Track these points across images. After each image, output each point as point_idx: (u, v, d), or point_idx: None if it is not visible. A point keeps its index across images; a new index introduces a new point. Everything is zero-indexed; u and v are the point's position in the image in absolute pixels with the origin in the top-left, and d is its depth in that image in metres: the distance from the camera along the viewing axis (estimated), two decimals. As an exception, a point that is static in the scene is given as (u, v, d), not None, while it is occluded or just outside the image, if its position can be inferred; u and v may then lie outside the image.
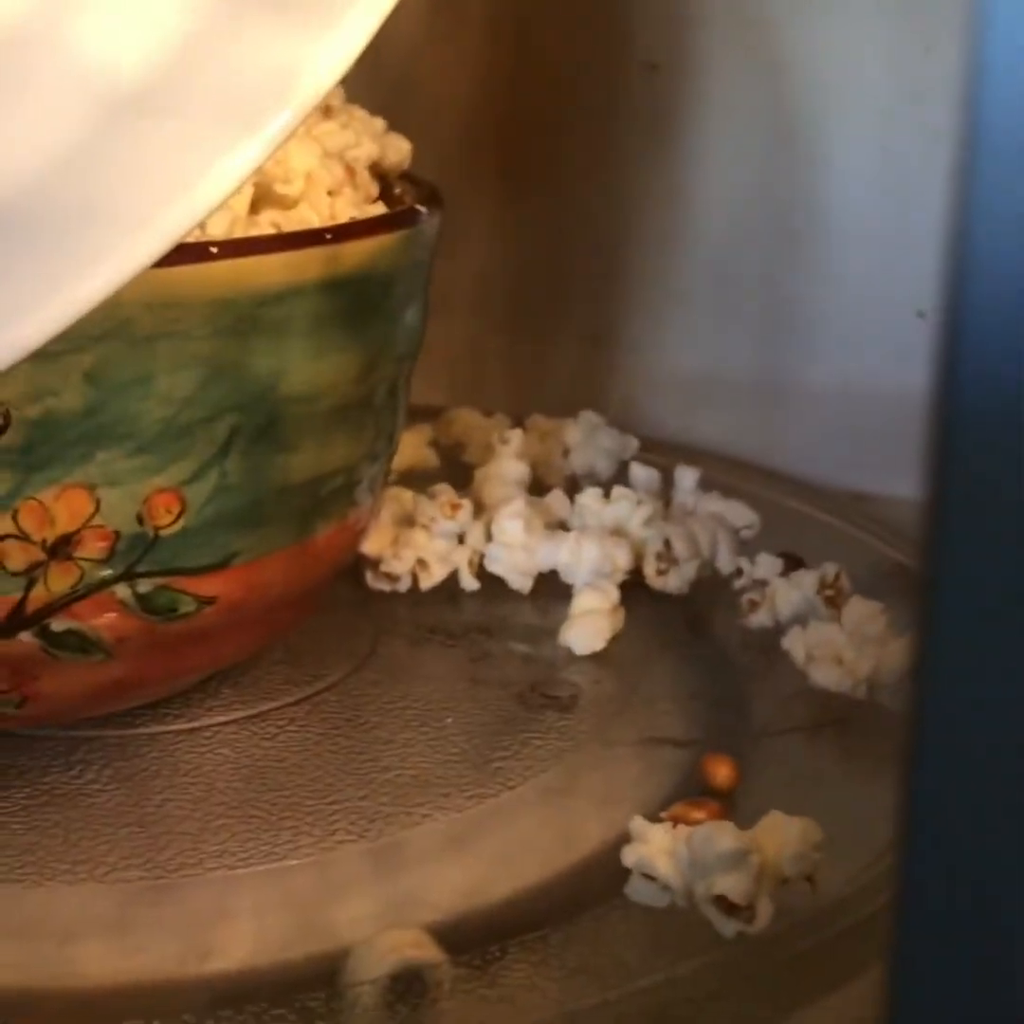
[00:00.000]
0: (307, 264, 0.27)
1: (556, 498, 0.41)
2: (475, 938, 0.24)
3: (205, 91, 0.21)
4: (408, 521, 0.40)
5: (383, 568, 0.38)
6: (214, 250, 0.26)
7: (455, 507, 0.39)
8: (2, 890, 0.25)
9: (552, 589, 0.38)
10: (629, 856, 0.24)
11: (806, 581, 0.35)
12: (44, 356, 0.25)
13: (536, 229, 0.57)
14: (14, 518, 0.26)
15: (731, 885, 0.22)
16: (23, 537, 0.26)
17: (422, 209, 0.30)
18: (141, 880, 0.25)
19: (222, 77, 0.21)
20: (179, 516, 0.27)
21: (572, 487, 0.42)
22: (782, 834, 0.24)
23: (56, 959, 0.23)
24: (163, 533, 0.27)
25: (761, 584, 0.36)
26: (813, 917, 0.23)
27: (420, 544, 0.38)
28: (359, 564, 0.38)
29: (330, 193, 0.29)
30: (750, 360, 0.54)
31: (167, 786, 0.28)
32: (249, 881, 0.26)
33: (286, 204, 0.29)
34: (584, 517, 0.40)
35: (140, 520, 0.27)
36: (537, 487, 0.41)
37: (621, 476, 0.43)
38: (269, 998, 0.22)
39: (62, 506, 0.26)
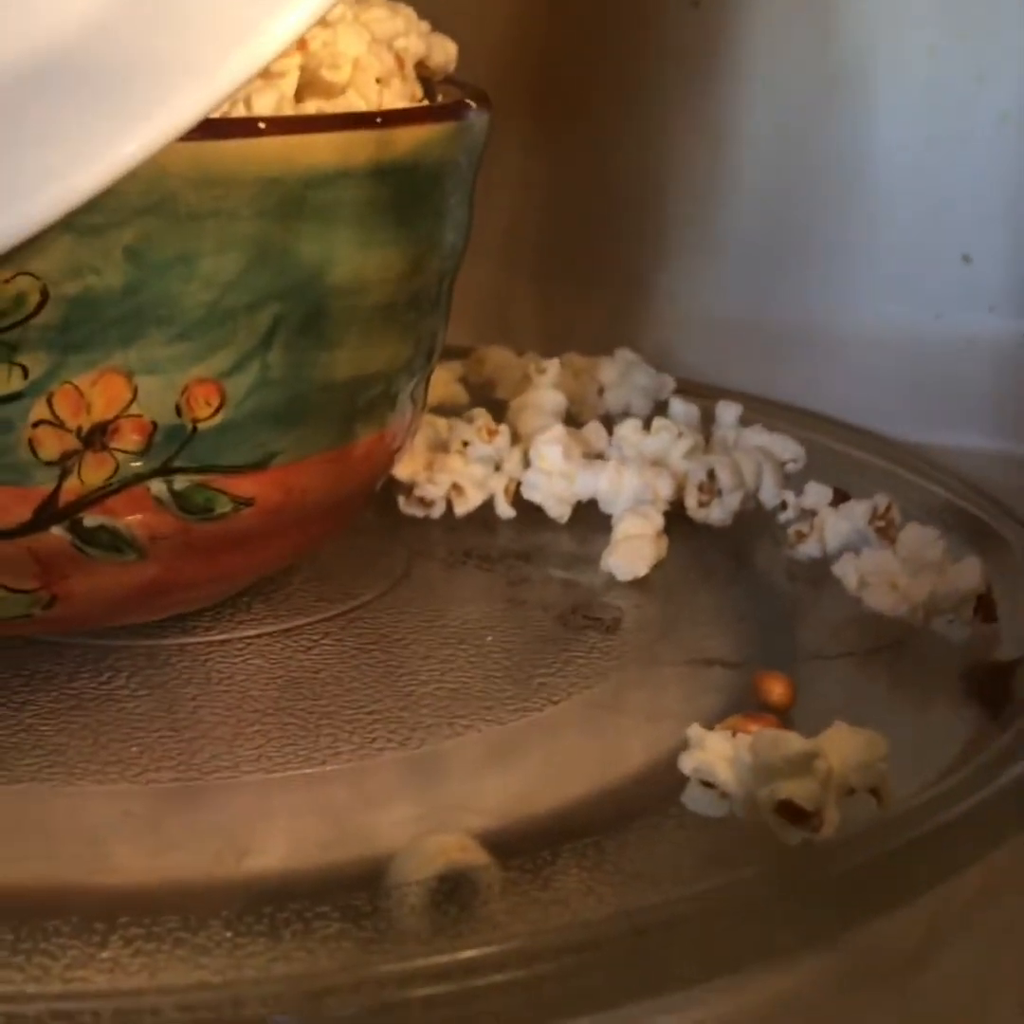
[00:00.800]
0: (357, 147, 0.26)
1: (593, 429, 0.40)
2: (524, 844, 0.22)
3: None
4: (442, 447, 0.39)
5: (417, 492, 0.37)
6: (262, 126, 0.25)
7: (492, 432, 0.38)
8: (31, 789, 0.24)
9: (590, 518, 0.37)
10: (687, 763, 0.23)
11: (857, 511, 0.34)
12: (85, 229, 0.24)
13: (570, 170, 0.56)
14: (49, 403, 0.25)
15: (799, 789, 0.21)
16: (58, 424, 0.25)
17: (472, 104, 0.29)
18: (174, 782, 0.24)
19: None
20: (218, 409, 0.26)
21: (607, 425, 0.41)
22: (847, 745, 0.23)
23: (88, 857, 0.22)
24: (201, 426, 0.26)
25: (809, 514, 0.35)
26: (878, 829, 0.22)
27: (455, 468, 0.37)
28: (391, 489, 0.37)
29: (378, 81, 0.28)
30: (790, 306, 0.53)
31: (199, 694, 0.27)
32: (287, 785, 0.24)
33: (333, 92, 0.28)
34: (623, 449, 0.39)
35: (178, 411, 0.26)
36: (571, 425, 0.40)
37: (657, 417, 0.41)
38: (311, 896, 0.21)
39: (99, 392, 0.25)
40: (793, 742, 0.22)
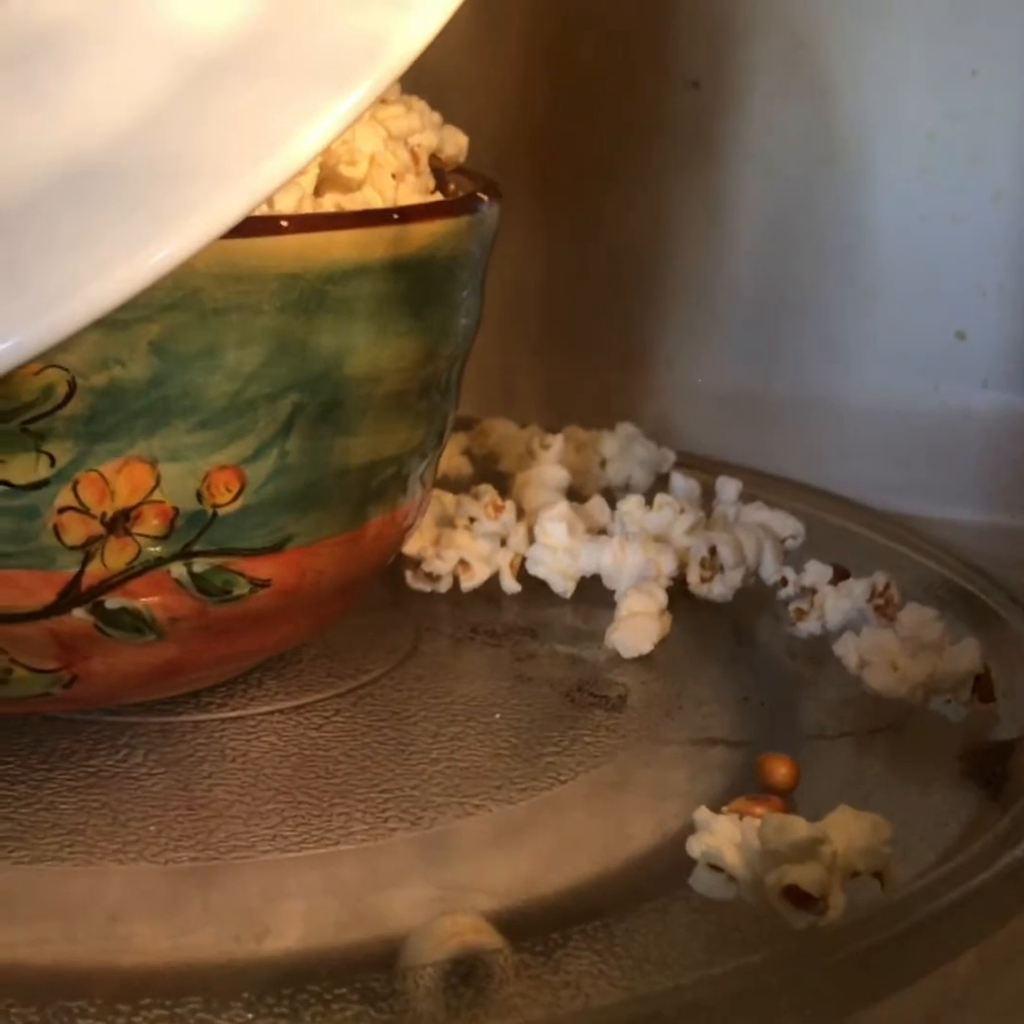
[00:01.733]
0: (374, 243, 0.27)
1: (597, 504, 0.41)
2: (535, 926, 0.23)
3: (295, 51, 0.20)
4: (448, 523, 0.39)
5: (424, 568, 0.38)
6: (284, 224, 0.25)
7: (498, 508, 0.39)
8: (52, 869, 0.25)
9: (594, 594, 0.38)
10: (695, 846, 0.23)
11: (856, 590, 0.35)
12: (112, 324, 0.24)
13: (570, 244, 0.57)
14: (74, 490, 0.25)
15: (805, 875, 0.22)
16: (83, 510, 0.26)
17: (484, 197, 0.30)
18: (192, 861, 0.25)
19: (312, 38, 0.20)
20: (238, 494, 0.27)
21: (609, 499, 0.42)
22: (852, 828, 0.23)
23: (110, 937, 0.23)
24: (221, 512, 0.27)
25: (810, 592, 0.36)
26: (882, 912, 0.23)
27: (462, 544, 0.38)
28: (399, 564, 0.37)
29: (394, 177, 0.29)
30: (787, 378, 0.54)
31: (214, 771, 0.28)
32: (302, 865, 0.25)
33: (350, 187, 0.29)
34: (625, 524, 0.40)
35: (199, 497, 0.26)
36: (573, 498, 0.41)
37: (657, 490, 0.42)
38: (329, 978, 0.21)
39: (123, 479, 0.26)
40: (799, 827, 0.22)
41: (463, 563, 0.38)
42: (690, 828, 0.25)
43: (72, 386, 0.25)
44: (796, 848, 0.22)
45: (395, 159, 0.29)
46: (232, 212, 0.21)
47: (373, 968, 0.22)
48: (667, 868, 0.25)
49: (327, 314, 0.26)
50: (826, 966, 0.22)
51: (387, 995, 0.21)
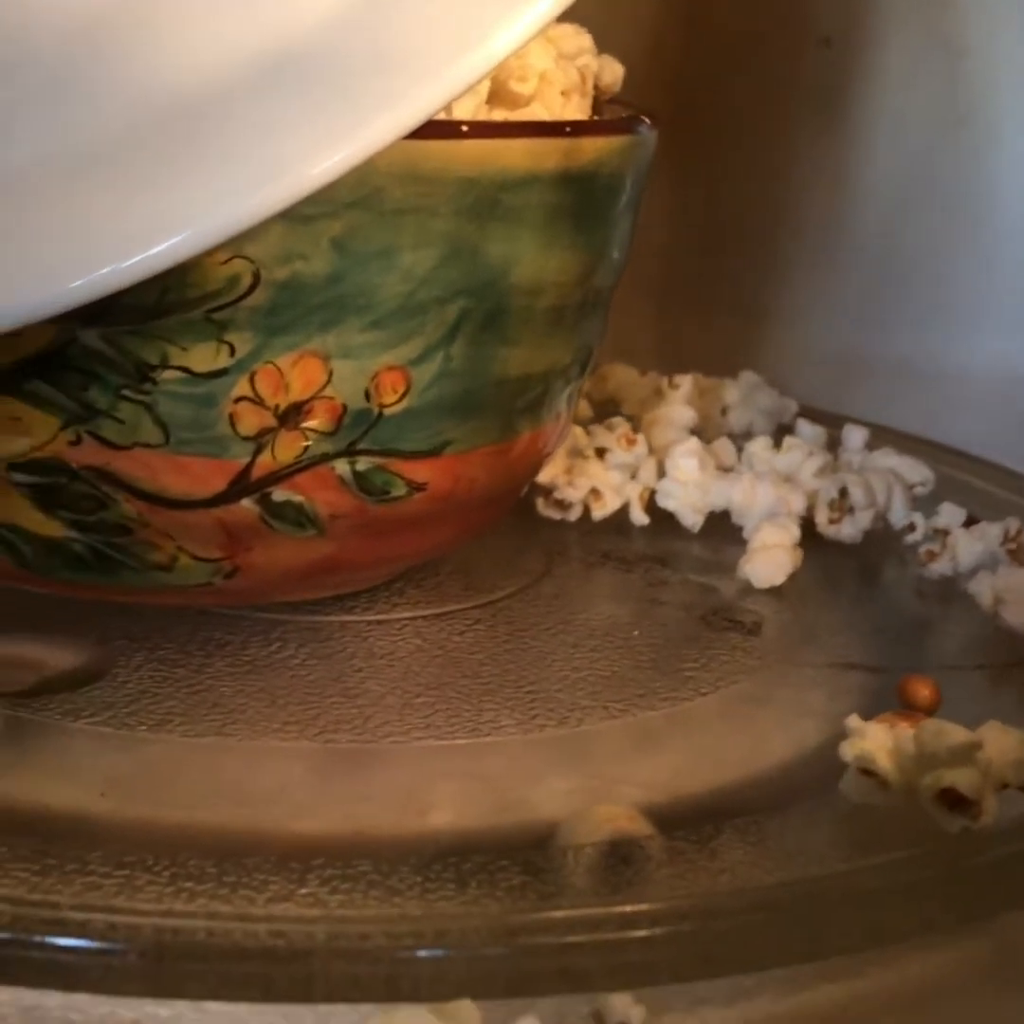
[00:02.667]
0: (546, 153, 0.27)
1: (723, 445, 0.41)
2: (687, 819, 0.24)
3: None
4: (580, 454, 0.40)
5: (556, 495, 0.39)
6: (465, 128, 0.26)
7: (630, 441, 0.39)
8: (216, 743, 0.26)
9: (722, 529, 0.38)
10: (847, 751, 0.24)
11: (990, 532, 0.35)
12: (297, 219, 0.25)
13: (695, 198, 0.57)
14: (251, 380, 0.26)
15: (962, 778, 0.22)
16: (258, 401, 0.26)
17: (646, 120, 0.30)
18: (351, 743, 0.26)
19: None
20: (403, 396, 0.27)
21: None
22: (1002, 742, 0.24)
23: (279, 803, 0.24)
24: (387, 412, 0.27)
25: (942, 534, 0.36)
26: (1031, 822, 0.23)
27: (594, 474, 0.39)
28: (530, 493, 0.38)
29: (562, 94, 0.29)
30: (906, 340, 0.54)
31: (364, 666, 0.29)
32: (455, 752, 0.26)
33: (518, 103, 0.29)
34: (753, 465, 0.40)
35: (367, 396, 0.27)
36: (697, 441, 0.41)
37: (778, 439, 0.42)
38: (492, 851, 0.22)
39: (298, 373, 0.26)
40: (957, 733, 0.23)
41: (594, 492, 0.38)
42: (832, 743, 0.25)
43: (256, 277, 0.25)
44: (953, 752, 0.22)
45: (565, 77, 0.29)
46: (432, 103, 0.21)
47: (532, 848, 0.22)
48: (812, 776, 0.25)
49: (498, 221, 0.27)
50: (978, 866, 0.22)
51: (549, 869, 0.22)
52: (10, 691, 0.27)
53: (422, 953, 0.19)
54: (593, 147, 0.28)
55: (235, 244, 0.25)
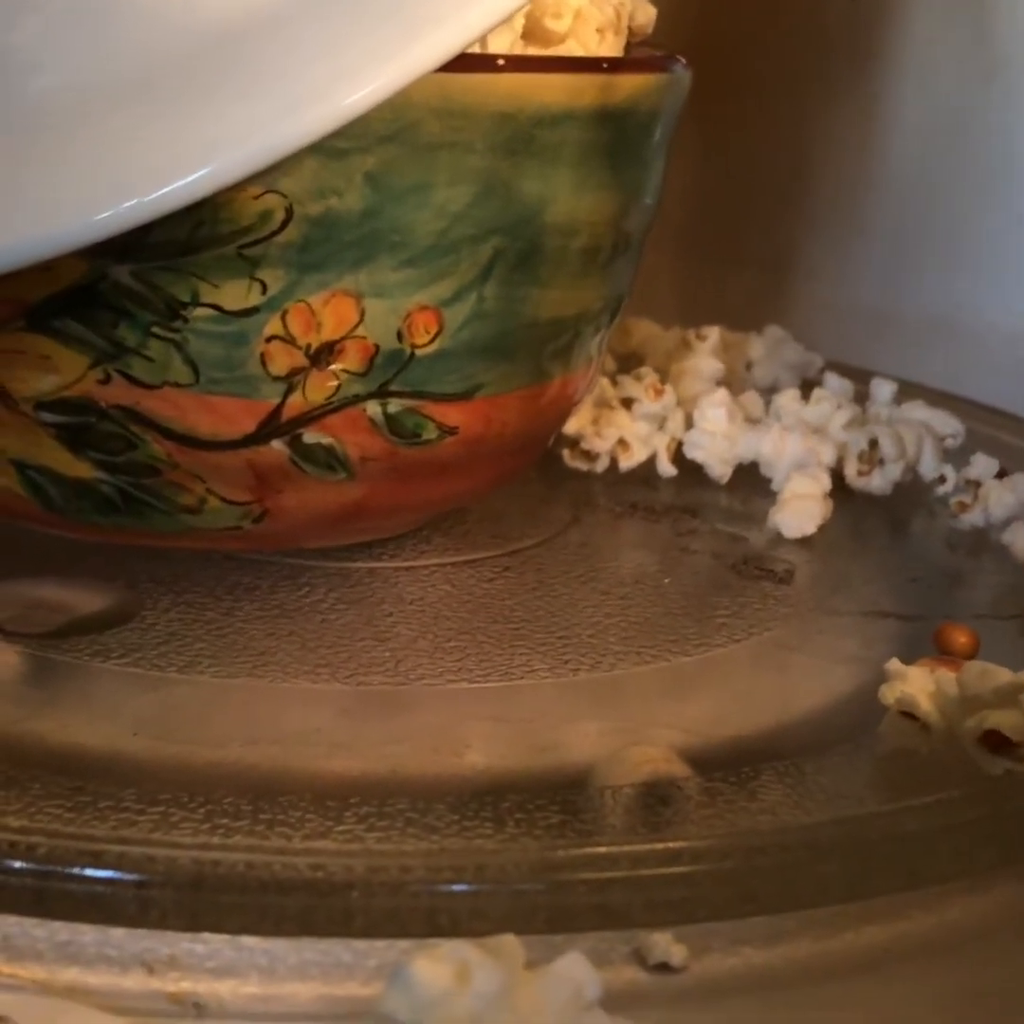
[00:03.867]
0: (583, 89, 0.27)
1: (750, 398, 0.41)
2: (725, 761, 0.23)
3: None
4: (607, 405, 0.40)
5: (583, 446, 0.38)
6: (501, 62, 0.26)
7: (658, 391, 0.39)
8: (247, 684, 0.25)
9: (749, 481, 0.38)
10: (888, 694, 0.23)
11: (1022, 484, 0.35)
12: (330, 153, 0.25)
13: (719, 150, 0.57)
14: (283, 319, 0.26)
15: (1006, 719, 0.22)
16: (289, 340, 0.26)
17: (682, 59, 0.30)
18: (384, 685, 0.25)
19: None
20: (436, 337, 0.27)
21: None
22: (1042, 686, 0.23)
23: (314, 743, 0.23)
24: (419, 353, 0.27)
25: (973, 485, 0.36)
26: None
27: (622, 424, 0.38)
28: (556, 445, 0.38)
29: (598, 32, 0.29)
30: (932, 296, 0.53)
31: (394, 611, 0.28)
32: (489, 695, 0.26)
33: (552, 40, 0.29)
34: (781, 417, 0.40)
35: (399, 336, 0.27)
36: (722, 395, 0.41)
37: (804, 394, 0.42)
38: (530, 790, 0.22)
39: (329, 312, 0.26)
40: (1001, 674, 0.22)
41: (622, 442, 0.38)
42: (866, 689, 0.25)
43: (289, 213, 0.25)
44: (998, 694, 0.22)
45: (600, 15, 0.29)
46: (469, 32, 0.21)
47: (569, 787, 0.22)
48: (847, 722, 0.25)
49: (533, 159, 0.27)
50: (1022, 808, 0.22)
51: (587, 809, 0.21)
52: (38, 632, 0.26)
53: (461, 887, 0.19)
54: (629, 84, 0.28)
55: (267, 178, 0.25)
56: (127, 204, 0.23)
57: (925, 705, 0.23)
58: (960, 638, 0.27)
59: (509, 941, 0.18)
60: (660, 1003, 0.19)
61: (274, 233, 0.25)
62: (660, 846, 0.19)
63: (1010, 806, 0.21)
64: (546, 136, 0.26)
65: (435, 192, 0.26)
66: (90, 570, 0.29)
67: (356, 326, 0.26)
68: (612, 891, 0.19)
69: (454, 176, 0.26)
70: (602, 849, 0.19)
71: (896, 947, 0.21)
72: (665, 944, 0.20)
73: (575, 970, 0.17)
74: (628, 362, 0.46)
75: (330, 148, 0.25)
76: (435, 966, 0.16)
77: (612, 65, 0.27)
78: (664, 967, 0.20)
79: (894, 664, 0.24)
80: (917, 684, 0.23)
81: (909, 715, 0.23)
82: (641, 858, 0.19)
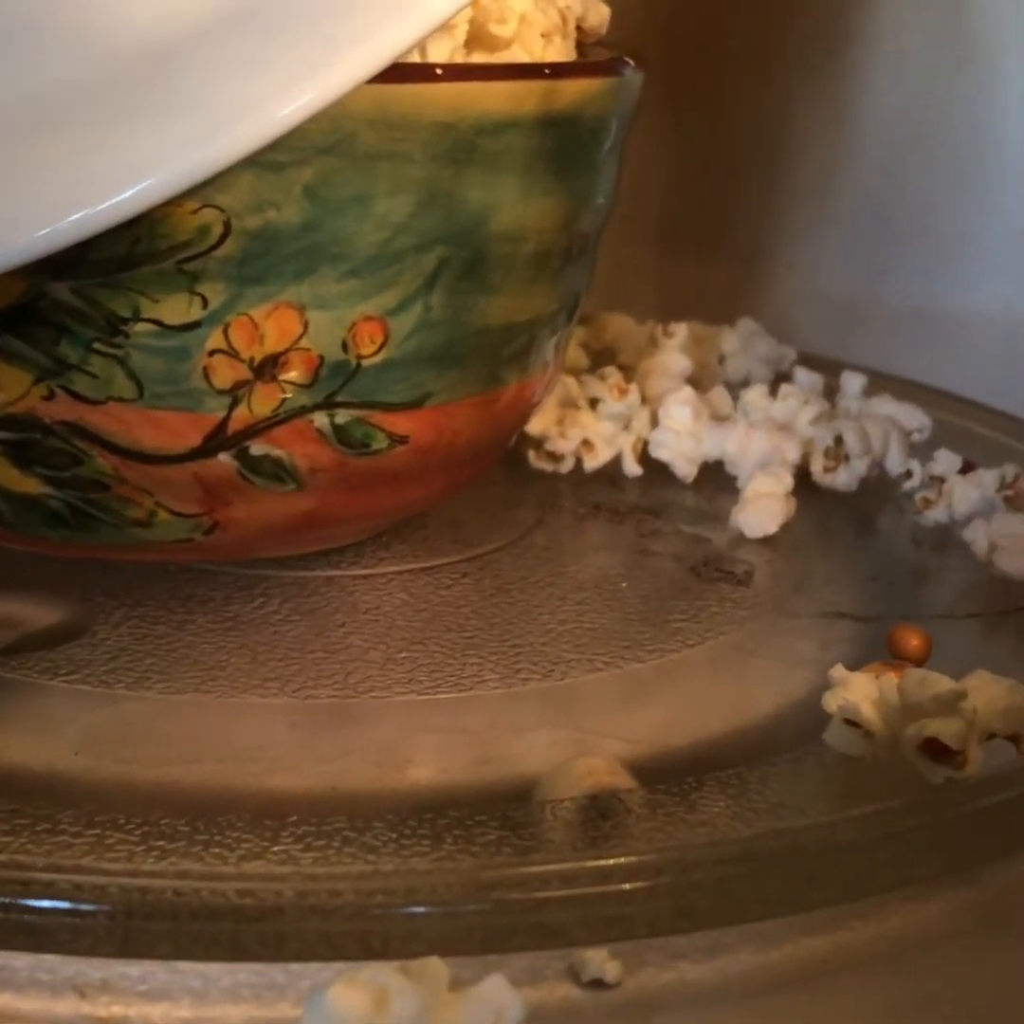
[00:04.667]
0: (525, 96, 0.26)
1: (718, 394, 0.41)
2: (668, 772, 0.23)
3: None
4: (571, 405, 0.40)
5: (547, 447, 0.38)
6: (439, 72, 0.26)
7: (622, 391, 0.39)
8: (195, 700, 0.25)
9: (716, 479, 0.38)
10: (831, 701, 0.23)
11: (986, 479, 0.35)
12: (268, 166, 0.25)
13: (693, 140, 0.57)
14: (225, 333, 0.26)
15: (945, 728, 0.22)
16: (232, 353, 0.26)
17: (631, 62, 0.30)
18: (331, 699, 0.25)
19: None
20: (382, 347, 0.27)
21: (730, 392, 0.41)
22: (990, 691, 0.23)
23: (256, 760, 0.23)
24: (365, 363, 0.27)
25: (938, 481, 0.36)
26: (1019, 772, 0.23)
27: (586, 424, 0.38)
28: (521, 446, 0.37)
29: (543, 36, 0.28)
30: (909, 284, 0.53)
31: (348, 621, 0.28)
32: (437, 707, 0.25)
33: (497, 46, 0.28)
34: (749, 414, 0.39)
35: (344, 347, 0.27)
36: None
37: (775, 388, 0.42)
38: (469, 806, 0.22)
39: (272, 324, 0.26)
40: (941, 682, 0.22)
41: (586, 443, 0.38)
42: (820, 693, 0.25)
43: (227, 227, 0.25)
44: (937, 701, 0.22)
45: (545, 19, 0.29)
46: (401, 41, 0.21)
47: (511, 800, 0.22)
48: (798, 727, 0.25)
49: (476, 167, 0.26)
50: (962, 816, 0.22)
51: (526, 823, 0.21)
52: (-12, 650, 0.27)
53: (394, 910, 0.19)
54: (574, 89, 0.28)
55: (204, 193, 0.24)
56: (71, 218, 0.23)
57: (868, 712, 0.23)
58: (912, 641, 0.27)
59: (434, 964, 0.18)
60: (594, 1020, 0.19)
61: (213, 247, 0.25)
62: (592, 864, 0.19)
63: (950, 814, 0.21)
64: (489, 145, 0.26)
65: (376, 203, 0.26)
66: (43, 582, 0.29)
67: (300, 338, 0.26)
68: (547, 910, 0.19)
69: (394, 187, 0.26)
70: (534, 868, 0.19)
71: (836, 958, 0.21)
72: (599, 960, 0.20)
73: (497, 993, 0.17)
74: (602, 357, 0.46)
75: (267, 161, 0.25)
76: (352, 993, 0.16)
77: (554, 71, 0.27)
78: (598, 983, 0.20)
79: (838, 670, 0.24)
80: (860, 691, 0.23)
81: (853, 722, 0.23)
82: (574, 876, 0.19)
